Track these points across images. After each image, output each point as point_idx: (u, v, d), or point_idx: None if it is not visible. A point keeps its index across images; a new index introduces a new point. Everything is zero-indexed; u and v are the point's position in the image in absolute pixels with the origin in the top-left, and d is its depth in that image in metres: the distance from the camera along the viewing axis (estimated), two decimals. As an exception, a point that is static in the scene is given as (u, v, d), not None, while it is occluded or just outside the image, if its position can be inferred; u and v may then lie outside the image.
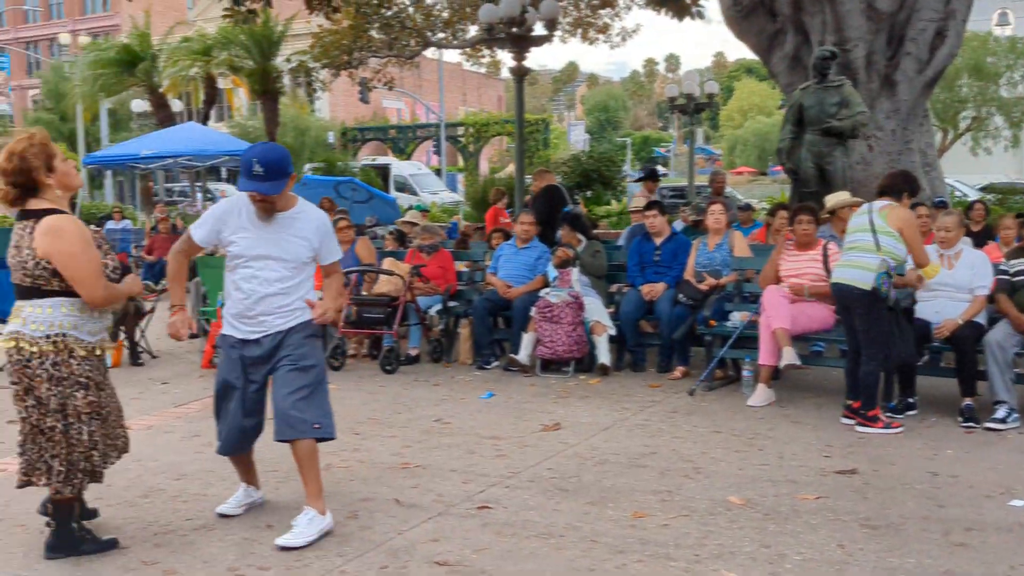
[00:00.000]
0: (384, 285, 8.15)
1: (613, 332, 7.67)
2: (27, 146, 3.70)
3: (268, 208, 4.05)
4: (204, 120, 22.95)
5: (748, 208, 12.27)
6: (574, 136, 60.46)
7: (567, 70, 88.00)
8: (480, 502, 4.50)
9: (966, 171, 29.03)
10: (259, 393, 4.27)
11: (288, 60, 20.36)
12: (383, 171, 32.41)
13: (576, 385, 7.25)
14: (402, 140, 46.17)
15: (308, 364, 4.15)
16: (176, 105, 24.66)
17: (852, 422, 5.87)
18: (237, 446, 4.36)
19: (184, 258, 4.37)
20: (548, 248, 8.23)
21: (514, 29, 13.01)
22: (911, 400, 6.20)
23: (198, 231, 4.27)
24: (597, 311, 7.69)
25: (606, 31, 20.65)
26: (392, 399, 6.87)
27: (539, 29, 13.63)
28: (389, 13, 18.65)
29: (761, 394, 6.51)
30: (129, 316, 8.52)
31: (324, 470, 4.90)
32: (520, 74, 13.66)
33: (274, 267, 4.11)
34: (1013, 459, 5.15)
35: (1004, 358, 5.81)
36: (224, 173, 31.44)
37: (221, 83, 24.30)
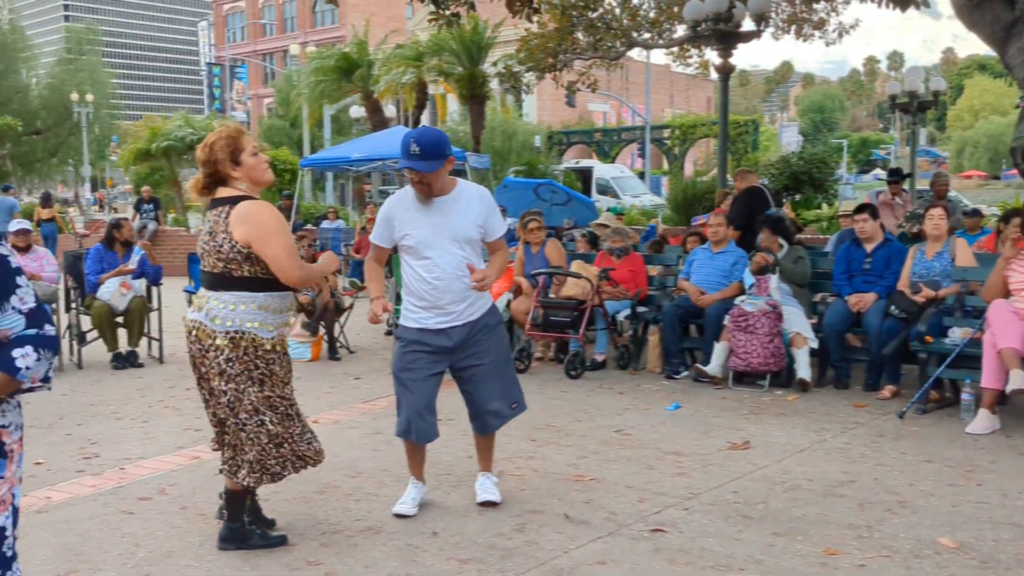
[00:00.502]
0: (571, 288, 7.97)
1: (815, 345, 7.13)
2: (216, 139, 3.78)
3: (426, 190, 4.09)
4: (415, 124, 23.70)
5: (976, 213, 11.19)
6: (786, 138, 58.18)
7: (780, 70, 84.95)
8: (655, 524, 4.21)
9: None
10: (437, 383, 4.33)
11: (494, 65, 20.63)
12: (585, 174, 32.42)
13: (771, 401, 6.78)
14: (607, 143, 46.06)
15: (496, 358, 4.32)
16: (390, 110, 25.64)
17: None
18: (420, 431, 4.30)
19: (375, 263, 4.46)
20: (745, 253, 7.77)
21: (721, 26, 12.53)
22: None
23: (374, 234, 4.38)
24: (797, 322, 7.17)
25: (822, 27, 19.54)
26: (573, 406, 6.67)
27: (747, 25, 13.11)
28: (594, 15, 18.49)
29: (983, 421, 5.81)
30: (329, 312, 8.79)
31: (498, 475, 4.80)
32: (726, 73, 13.16)
33: (451, 251, 4.14)
34: None
35: None
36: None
37: (431, 89, 24.99)
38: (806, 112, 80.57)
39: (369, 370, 8.25)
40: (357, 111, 26.26)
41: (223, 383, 3.75)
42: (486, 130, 37.41)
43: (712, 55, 15.94)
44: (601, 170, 33.14)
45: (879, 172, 64.06)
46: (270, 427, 3.84)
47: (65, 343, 8.39)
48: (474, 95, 21.70)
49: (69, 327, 8.57)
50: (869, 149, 69.56)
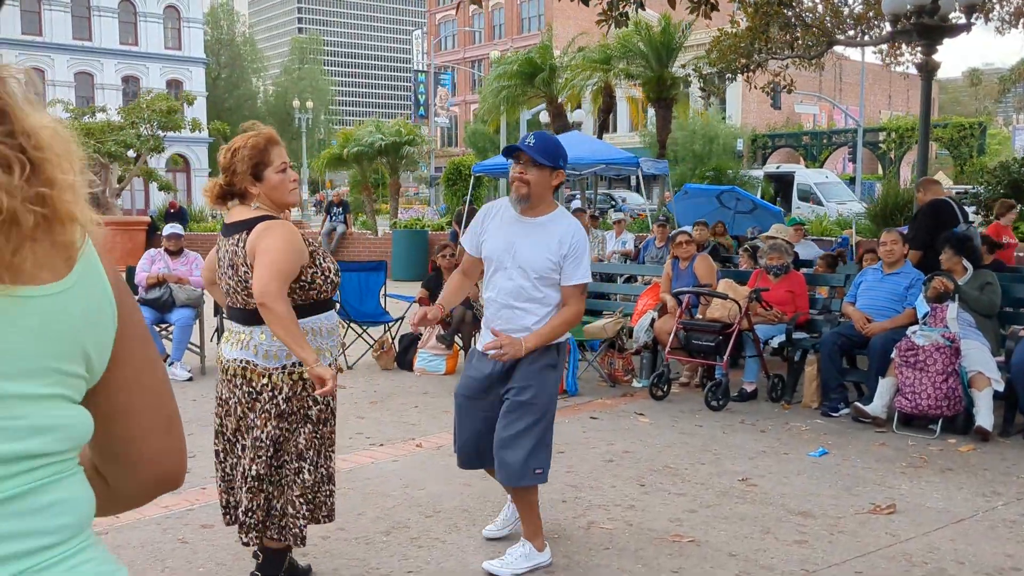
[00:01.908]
0: (717, 310, 7.21)
1: (1000, 387, 6.05)
2: (241, 146, 3.33)
3: (523, 188, 3.67)
4: (601, 129, 23.21)
5: None
6: (1020, 142, 53.11)
7: (1018, 68, 77.85)
8: (744, 608, 3.52)
9: None
10: (493, 411, 3.82)
11: (683, 67, 19.81)
12: (786, 179, 30.73)
13: (940, 451, 5.78)
14: (815, 147, 43.78)
15: (532, 400, 3.70)
16: (577, 115, 25.26)
17: None
18: (474, 460, 3.98)
19: (461, 276, 4.07)
20: (923, 275, 6.75)
21: (924, 19, 11.23)
22: None
23: (465, 240, 3.98)
24: (980, 359, 6.11)
25: (1027, 16, 17.45)
26: (703, 444, 5.95)
27: (957, 19, 11.72)
28: (789, 13, 17.32)
29: None
30: (466, 324, 8.46)
31: (585, 529, 4.28)
32: (929, 71, 11.82)
33: (513, 276, 3.73)
34: None
35: None
36: (632, 181, 31.52)
37: (621, 92, 24.41)
38: (1048, 113, 73.25)
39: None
40: (546, 116, 26.10)
41: (275, 425, 3.33)
42: (686, 133, 36.45)
43: (917, 52, 14.51)
44: (803, 175, 31.30)
45: None
46: (320, 469, 3.47)
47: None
48: (661, 98, 20.93)
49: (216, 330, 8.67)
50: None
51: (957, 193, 21.87)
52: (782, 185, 30.43)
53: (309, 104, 59.18)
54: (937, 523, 4.46)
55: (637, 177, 16.07)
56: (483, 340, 3.91)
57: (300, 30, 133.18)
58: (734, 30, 18.30)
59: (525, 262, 3.70)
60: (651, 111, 39.47)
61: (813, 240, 13.95)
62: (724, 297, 7.18)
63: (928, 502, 4.78)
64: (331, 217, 20.17)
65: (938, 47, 11.72)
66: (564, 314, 3.74)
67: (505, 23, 67.06)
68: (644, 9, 11.53)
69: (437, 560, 3.99)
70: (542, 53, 22.30)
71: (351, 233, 20.20)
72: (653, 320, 7.81)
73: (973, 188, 19.74)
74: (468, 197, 15.84)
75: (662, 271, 8.32)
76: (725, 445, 5.94)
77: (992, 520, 4.52)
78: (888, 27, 17.77)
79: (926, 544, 4.19)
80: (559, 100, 22.43)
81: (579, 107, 26.24)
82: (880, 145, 41.66)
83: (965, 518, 4.54)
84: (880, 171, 42.55)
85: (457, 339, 8.51)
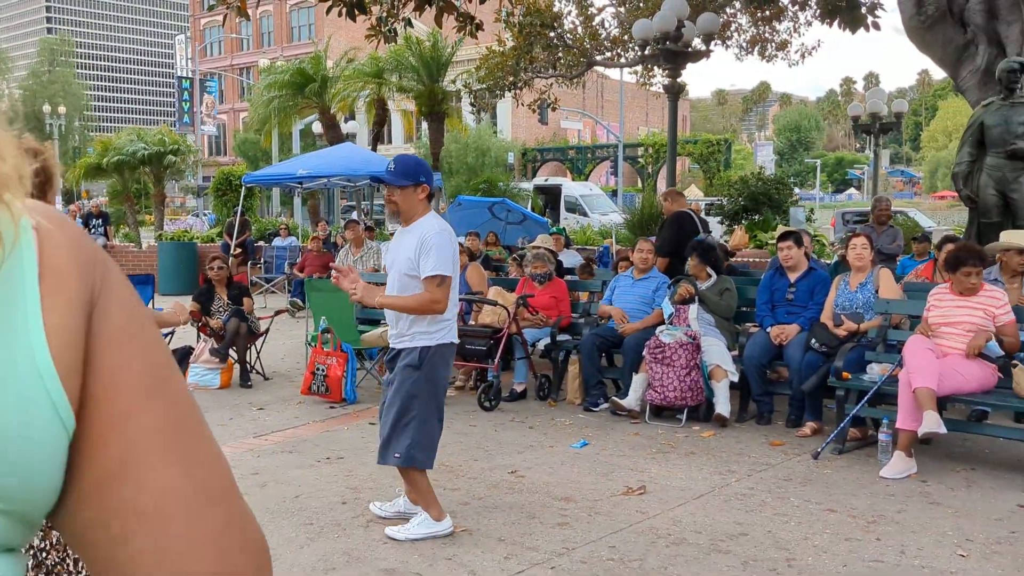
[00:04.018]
0: (488, 316, 7.61)
1: (735, 379, 6.80)
2: (49, 156, 3.22)
3: (392, 207, 4.32)
4: (375, 141, 23.35)
5: (925, 239, 10.95)
6: (761, 157, 58.23)
7: (759, 90, 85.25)
8: (512, 585, 3.84)
9: None
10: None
11: (453, 82, 20.34)
12: (554, 192, 32.12)
13: (685, 437, 6.42)
14: (580, 161, 45.94)
15: (395, 394, 4.31)
16: (351, 126, 25.25)
17: None
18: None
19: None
20: (668, 279, 7.44)
21: (668, 45, 12.24)
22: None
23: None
24: (718, 354, 6.83)
25: (785, 48, 19.39)
26: (476, 442, 6.29)
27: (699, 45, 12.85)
28: (552, 33, 18.23)
29: (897, 464, 5.47)
30: (241, 337, 8.38)
31: (365, 527, 4.47)
32: (675, 93, 12.86)
33: (393, 276, 4.38)
34: None
35: None
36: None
37: (393, 105, 24.63)
38: (783, 131, 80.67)
39: (277, 399, 7.84)
40: (319, 127, 25.91)
41: None
42: (459, 146, 37.25)
43: (690, 74, 15.70)
44: (570, 188, 32.85)
45: (853, 192, 64.27)
46: None
47: None
48: (433, 112, 21.38)
49: None
50: (844, 169, 69.81)
51: (707, 204, 23.79)
52: (551, 197, 31.77)
53: (61, 109, 55.34)
54: (680, 500, 5.00)
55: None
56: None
57: (49, 30, 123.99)
58: (501, 49, 19.04)
59: (399, 264, 4.31)
60: (425, 124, 40.07)
61: (576, 249, 14.76)
62: (494, 304, 7.58)
63: (673, 482, 5.33)
64: (91, 230, 19.09)
65: (682, 70, 12.80)
66: (417, 297, 4.25)
67: (274, 31, 65.64)
68: (412, 27, 11.85)
69: None
70: (314, 63, 22.15)
71: (113, 246, 19.21)
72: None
73: (719, 199, 21.52)
74: (239, 208, 15.52)
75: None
76: (496, 442, 6.30)
77: (726, 494, 5.11)
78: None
79: (671, 518, 4.70)
80: (331, 111, 22.35)
81: (352, 118, 26.23)
82: (639, 159, 44.34)
83: (704, 494, 5.11)
84: (639, 184, 45.29)
85: (232, 352, 8.41)
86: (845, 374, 6.04)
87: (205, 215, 31.39)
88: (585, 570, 4.01)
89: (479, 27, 11.40)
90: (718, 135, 48.36)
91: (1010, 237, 7.25)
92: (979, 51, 12.12)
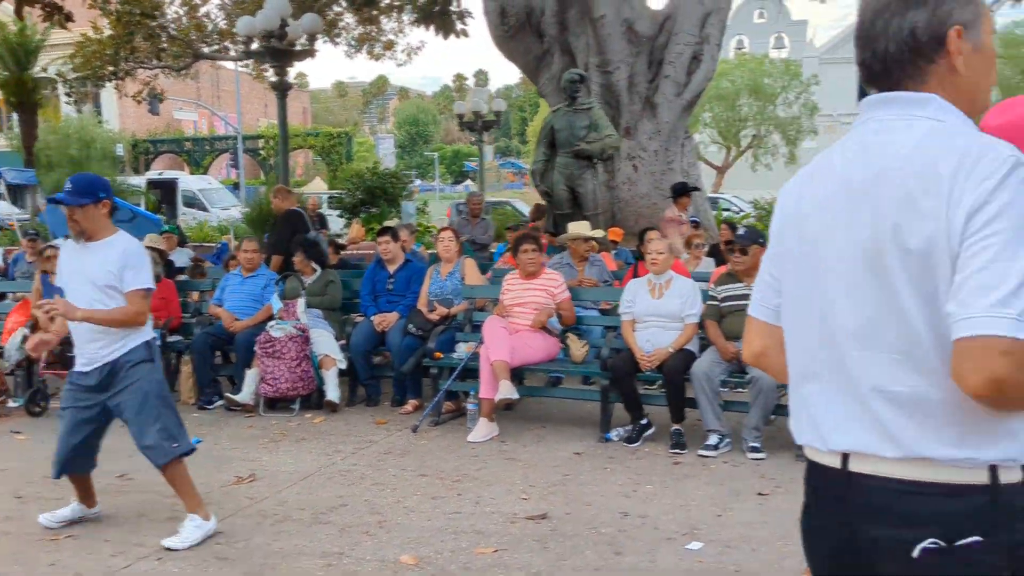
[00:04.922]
0: (90, 321, 7.41)
1: (343, 366, 7.28)
2: None
3: (75, 227, 4.32)
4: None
5: (515, 229, 12.18)
6: (382, 150, 59.82)
7: (377, 83, 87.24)
8: (117, 583, 3.98)
9: (748, 187, 30.58)
10: (88, 419, 4.53)
11: (44, 70, 18.88)
12: (170, 186, 30.80)
13: (297, 426, 6.80)
14: (198, 153, 44.27)
15: (152, 394, 4.42)
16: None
17: None
18: (69, 466, 4.63)
19: None
20: (276, 276, 7.75)
21: (273, 43, 12.44)
22: (644, 422, 6.11)
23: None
24: (326, 344, 7.27)
25: (391, 48, 20.32)
26: (82, 451, 6.18)
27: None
28: (154, 23, 17.56)
29: (482, 429, 6.27)
30: None
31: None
32: (283, 90, 13.09)
33: (85, 292, 4.33)
34: (709, 492, 5.10)
35: (711, 387, 5.81)
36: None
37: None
38: (403, 124, 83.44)
39: None
40: None
41: None
42: (59, 137, 34.26)
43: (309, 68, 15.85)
44: (187, 182, 31.72)
45: (469, 183, 68.17)
46: None
47: None
48: (23, 102, 19.67)
49: None
50: (461, 161, 73.70)
51: (330, 198, 24.20)
52: (166, 192, 30.41)
53: None
54: (287, 482, 5.38)
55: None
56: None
57: None
58: (98, 36, 18.00)
59: (92, 278, 4.31)
60: (16, 115, 36.37)
61: (193, 246, 14.48)
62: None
63: (283, 467, 5.69)
64: None
65: (289, 68, 13.07)
66: (123, 309, 4.34)
67: None
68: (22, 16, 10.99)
69: None
70: None
71: None
72: (25, 337, 7.68)
73: (342, 193, 22.04)
74: None
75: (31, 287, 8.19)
76: (105, 449, 6.21)
77: (330, 473, 5.57)
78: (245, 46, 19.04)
79: (277, 501, 5.06)
80: None
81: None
82: (260, 151, 43.68)
83: (310, 475, 5.53)
84: (262, 176, 44.68)
85: None
86: (437, 354, 6.77)
87: None
88: (193, 556, 4.25)
89: (68, 18, 10.82)
90: (340, 127, 49.03)
91: (576, 227, 8.41)
92: (554, 60, 13.71)
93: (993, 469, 1.46)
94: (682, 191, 11.04)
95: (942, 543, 1.45)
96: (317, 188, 35.62)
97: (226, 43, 19.56)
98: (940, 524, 1.45)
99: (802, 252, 1.66)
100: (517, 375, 6.83)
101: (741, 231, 7.46)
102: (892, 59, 1.58)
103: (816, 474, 1.67)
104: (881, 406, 1.52)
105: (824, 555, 1.68)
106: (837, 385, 1.59)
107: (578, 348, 6.56)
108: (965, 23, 1.55)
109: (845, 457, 1.57)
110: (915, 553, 1.47)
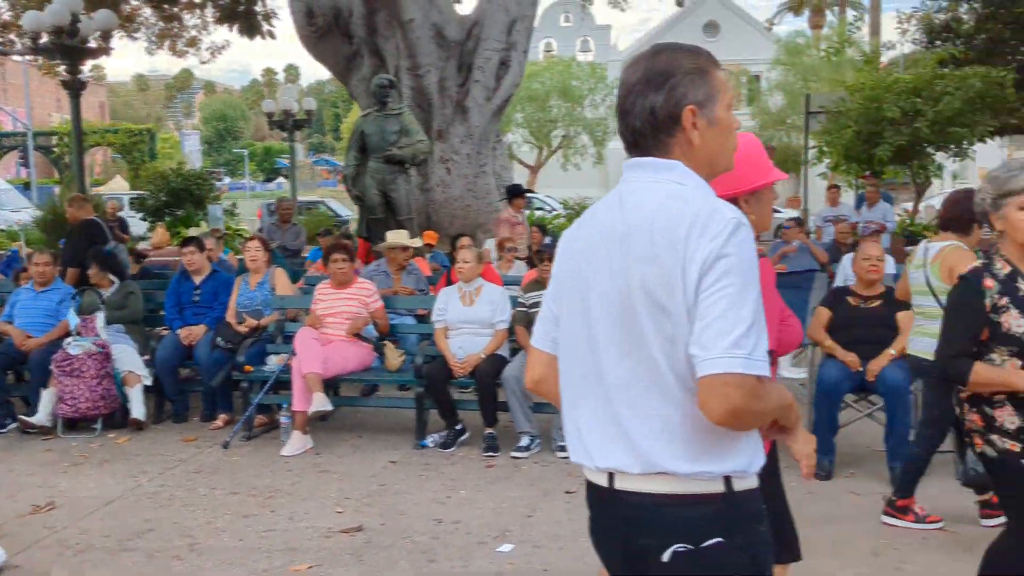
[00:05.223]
0: None
1: (149, 382, 7.02)
2: None
3: None
4: None
5: (327, 234, 12.07)
6: (188, 146, 57.47)
7: (181, 76, 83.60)
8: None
9: (560, 185, 31.47)
10: None
11: None
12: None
13: (100, 447, 6.51)
14: (-19, 150, 40.98)
15: None
16: None
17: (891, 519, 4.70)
18: None
19: None
20: (72, 289, 7.38)
21: (64, 39, 11.74)
22: (459, 428, 6.26)
23: None
24: (129, 360, 6.99)
25: (195, 44, 19.58)
26: None
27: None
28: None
29: (296, 442, 6.23)
30: None
31: None
32: (75, 88, 12.37)
33: None
34: (520, 494, 5.29)
35: (522, 390, 6.01)
36: None
37: None
38: (210, 120, 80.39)
39: None
40: None
41: None
42: None
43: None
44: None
45: (282, 181, 66.54)
46: None
47: None
48: None
49: None
50: (273, 158, 71.84)
51: (133, 199, 23.02)
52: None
53: None
54: (90, 508, 5.16)
55: None
56: None
57: None
58: None
59: None
60: None
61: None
62: None
63: (84, 493, 5.45)
64: None
65: (82, 65, 12.36)
66: None
67: None
68: None
69: None
70: None
71: None
72: None
73: (143, 194, 21.03)
74: None
75: None
76: None
77: (137, 495, 5.39)
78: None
79: (78, 529, 4.85)
80: None
81: None
82: (54, 149, 40.96)
83: (114, 499, 5.33)
84: (56, 175, 41.92)
85: None
86: (247, 367, 6.66)
87: None
88: (-15, 597, 4.03)
89: None
90: (141, 123, 46.69)
91: (394, 237, 8.40)
92: (364, 62, 13.67)
93: (728, 479, 1.73)
94: (517, 192, 11.41)
95: (690, 546, 1.69)
96: (117, 187, 33.84)
97: (11, 36, 18.30)
98: (688, 529, 1.71)
99: (574, 292, 1.86)
100: (332, 385, 6.83)
101: (548, 240, 7.75)
102: (639, 132, 1.83)
103: (591, 490, 1.88)
104: (635, 430, 1.74)
105: (611, 560, 1.90)
106: (601, 411, 1.80)
107: (394, 357, 6.62)
108: (698, 103, 1.80)
109: (611, 476, 1.79)
110: (665, 557, 1.71)
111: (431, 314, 6.67)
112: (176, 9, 16.88)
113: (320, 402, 6.09)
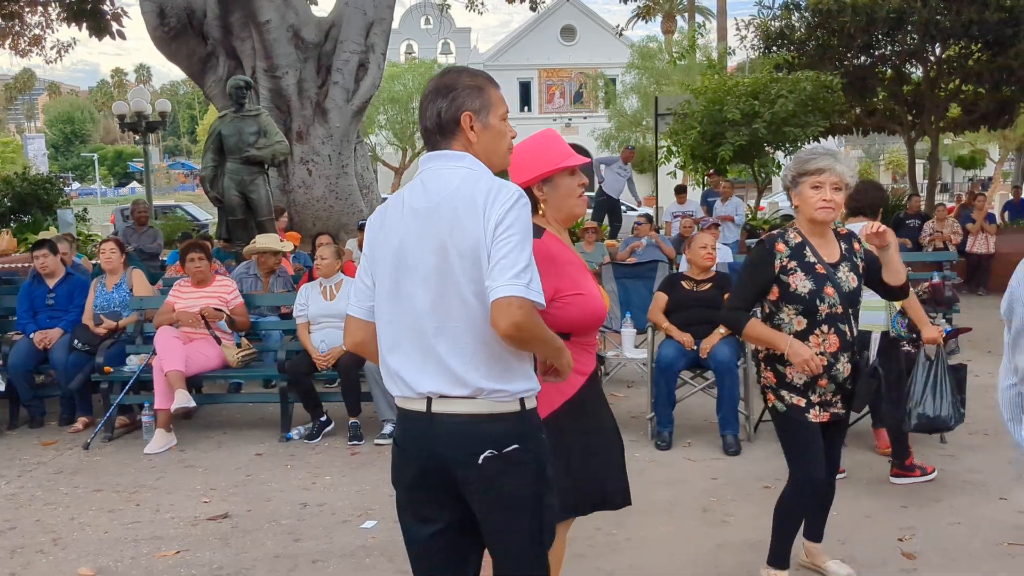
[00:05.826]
0: None
1: (2, 388, 6.91)
2: None
3: None
4: None
5: (187, 237, 11.95)
6: (32, 151, 54.79)
7: (22, 77, 79.35)
8: None
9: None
10: None
11: None
12: None
13: (-48, 454, 6.39)
14: None
15: None
16: None
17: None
18: None
19: None
20: (-83, 298, 7.18)
21: None
22: (323, 419, 6.44)
23: None
24: (-18, 366, 6.87)
25: (39, 43, 18.86)
26: None
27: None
28: None
29: (159, 439, 6.28)
30: None
31: None
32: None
33: None
34: (383, 477, 5.40)
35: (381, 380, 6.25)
36: None
37: None
38: (55, 123, 76.74)
39: None
40: None
41: None
42: None
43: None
44: None
45: (136, 186, 64.25)
46: None
47: None
48: None
49: None
50: (125, 162, 69.26)
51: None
52: None
53: None
54: (-54, 513, 5.11)
55: None
56: None
57: None
58: None
59: None
60: None
61: None
62: None
63: (-62, 498, 5.38)
64: None
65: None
66: None
67: None
68: None
69: None
70: None
71: None
72: None
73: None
74: None
75: None
76: None
77: (-5, 498, 5.36)
78: None
79: (-65, 532, 4.81)
80: None
81: None
82: None
83: (-29, 502, 5.28)
84: None
85: None
86: (107, 368, 6.65)
87: None
88: None
89: None
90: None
91: (263, 240, 8.44)
92: (220, 63, 13.58)
93: (522, 401, 2.26)
94: None
95: (495, 452, 2.21)
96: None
97: None
98: (493, 439, 2.22)
99: (388, 260, 2.30)
100: (195, 383, 6.89)
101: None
102: (430, 131, 2.34)
103: (406, 419, 2.32)
104: (451, 359, 2.21)
105: (410, 474, 2.31)
106: (419, 351, 2.24)
107: (233, 354, 6.73)
108: (475, 110, 2.30)
109: (429, 401, 2.23)
110: (480, 461, 2.20)
111: (293, 310, 6.83)
112: (17, 7, 16.24)
113: (183, 399, 6.16)
